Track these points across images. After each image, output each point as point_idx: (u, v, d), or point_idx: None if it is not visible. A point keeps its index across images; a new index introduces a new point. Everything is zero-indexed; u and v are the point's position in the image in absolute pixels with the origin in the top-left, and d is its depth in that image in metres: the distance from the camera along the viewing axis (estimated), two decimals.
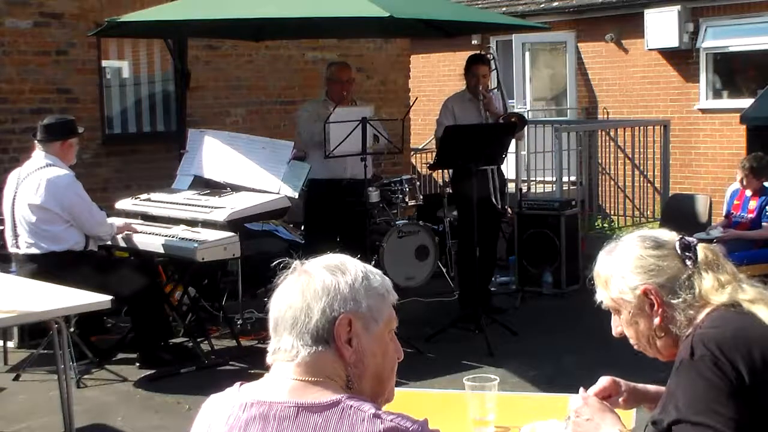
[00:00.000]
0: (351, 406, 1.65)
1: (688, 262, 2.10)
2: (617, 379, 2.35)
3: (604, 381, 2.33)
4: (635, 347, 2.20)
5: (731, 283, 2.09)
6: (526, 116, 7.34)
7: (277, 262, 1.80)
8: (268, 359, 1.76)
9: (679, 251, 2.11)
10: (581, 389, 2.28)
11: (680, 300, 2.08)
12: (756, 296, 2.08)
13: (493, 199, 7.02)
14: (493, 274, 7.80)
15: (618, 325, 2.20)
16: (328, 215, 6.86)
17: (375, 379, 1.78)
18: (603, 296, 2.19)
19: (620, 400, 2.33)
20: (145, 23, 6.90)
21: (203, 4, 6.71)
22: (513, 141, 7.33)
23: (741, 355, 1.95)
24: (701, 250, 2.12)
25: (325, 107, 6.87)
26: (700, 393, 1.94)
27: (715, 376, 1.93)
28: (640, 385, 2.37)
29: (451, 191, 7.95)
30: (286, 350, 1.72)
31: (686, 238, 2.15)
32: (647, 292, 2.09)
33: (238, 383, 1.79)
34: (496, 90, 7.74)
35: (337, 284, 1.72)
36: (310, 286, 1.72)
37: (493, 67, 7.80)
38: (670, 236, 2.17)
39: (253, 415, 1.68)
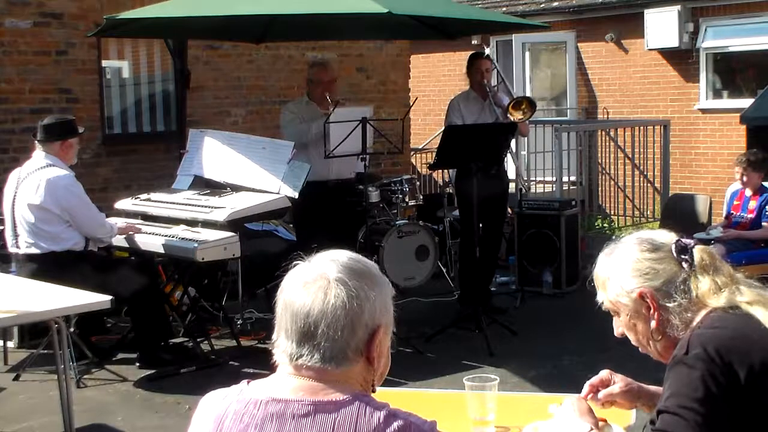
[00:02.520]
0: (366, 403, 1.67)
1: (685, 265, 2.10)
2: (615, 374, 2.36)
3: (603, 374, 2.36)
4: (640, 349, 2.21)
5: (728, 286, 2.09)
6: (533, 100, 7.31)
7: (288, 262, 1.78)
8: (286, 362, 1.73)
9: (675, 254, 2.11)
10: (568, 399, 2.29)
11: (675, 303, 2.08)
12: (754, 298, 2.08)
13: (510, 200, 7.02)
14: (494, 274, 7.80)
15: (619, 326, 2.20)
16: (317, 217, 6.70)
17: (381, 377, 1.82)
18: (603, 298, 2.20)
19: (617, 388, 2.32)
20: (144, 21, 6.89)
21: (202, 3, 6.70)
22: (523, 139, 7.34)
23: (739, 358, 1.95)
24: (698, 252, 2.11)
25: (309, 109, 6.84)
26: (686, 386, 1.94)
27: (706, 374, 1.93)
28: (645, 386, 2.37)
29: (451, 191, 7.94)
30: (314, 361, 1.70)
31: (683, 240, 2.14)
32: (643, 295, 2.10)
33: (245, 381, 1.78)
34: (500, 85, 7.78)
35: (375, 297, 1.73)
36: (353, 303, 1.69)
37: (492, 65, 7.88)
38: (668, 238, 2.16)
39: (269, 413, 1.68)
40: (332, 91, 6.85)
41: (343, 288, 1.70)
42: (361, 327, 1.70)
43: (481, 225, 6.98)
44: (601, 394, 2.32)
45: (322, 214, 6.71)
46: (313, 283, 1.71)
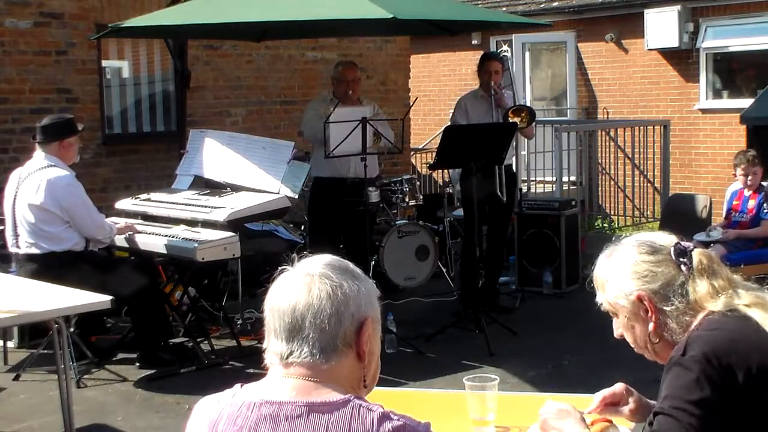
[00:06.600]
0: (360, 405, 1.67)
1: (683, 268, 2.09)
2: (631, 388, 2.35)
3: (617, 387, 2.34)
4: (636, 350, 2.21)
5: (726, 290, 2.08)
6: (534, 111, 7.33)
7: (280, 267, 1.79)
8: (277, 363, 1.74)
9: (674, 257, 2.10)
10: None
11: (673, 307, 2.08)
12: (752, 300, 2.07)
13: (498, 193, 6.98)
14: (501, 273, 7.77)
15: (619, 327, 2.20)
16: (332, 213, 6.89)
17: (373, 377, 1.81)
18: (602, 299, 2.20)
19: (627, 409, 2.32)
20: (148, 28, 6.90)
21: (205, 7, 6.70)
22: (524, 139, 7.33)
23: (736, 360, 1.94)
24: (696, 255, 2.11)
25: (330, 106, 6.89)
26: (681, 388, 1.95)
27: (702, 376, 1.93)
28: (653, 402, 2.36)
29: (451, 191, 7.95)
30: (304, 356, 1.71)
31: (682, 243, 2.13)
32: (641, 298, 2.10)
33: (238, 384, 1.78)
34: (509, 88, 7.75)
35: (358, 288, 1.74)
36: (337, 292, 1.71)
37: (506, 66, 7.85)
38: (667, 241, 2.15)
39: (262, 415, 1.68)
40: (355, 90, 7.02)
41: (327, 281, 1.72)
42: (347, 317, 1.72)
43: (486, 225, 7.00)
44: (610, 415, 2.31)
45: (337, 211, 6.84)
46: (297, 282, 1.74)
